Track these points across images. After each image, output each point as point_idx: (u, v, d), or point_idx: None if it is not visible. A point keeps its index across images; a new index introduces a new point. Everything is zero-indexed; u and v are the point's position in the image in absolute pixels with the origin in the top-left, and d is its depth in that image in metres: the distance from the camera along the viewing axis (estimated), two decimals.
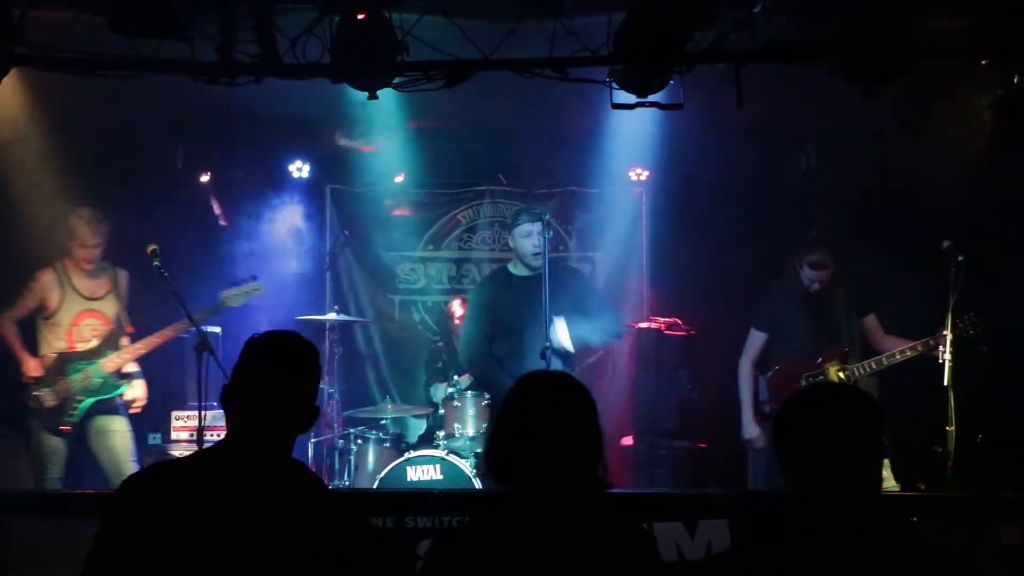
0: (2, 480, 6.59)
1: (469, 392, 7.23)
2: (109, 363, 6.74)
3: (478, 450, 6.86)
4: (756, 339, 7.01)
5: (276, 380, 2.72)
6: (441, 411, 7.33)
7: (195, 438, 6.93)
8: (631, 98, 5.64)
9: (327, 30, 5.28)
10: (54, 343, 6.73)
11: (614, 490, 5.99)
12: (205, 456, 2.91)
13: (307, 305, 8.42)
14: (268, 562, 2.57)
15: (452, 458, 6.72)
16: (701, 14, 5.13)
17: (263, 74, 5.44)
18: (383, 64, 5.35)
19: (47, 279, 6.73)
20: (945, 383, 6.30)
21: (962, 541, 5.07)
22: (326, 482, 5.28)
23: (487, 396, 7.06)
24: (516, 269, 6.88)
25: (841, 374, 6.64)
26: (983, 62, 5.56)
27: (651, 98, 5.62)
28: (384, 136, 7.93)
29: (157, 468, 2.74)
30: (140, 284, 7.03)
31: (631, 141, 7.92)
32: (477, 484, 6.53)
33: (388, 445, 7.35)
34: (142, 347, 6.82)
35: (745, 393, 6.97)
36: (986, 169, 6.62)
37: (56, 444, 6.62)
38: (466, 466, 6.67)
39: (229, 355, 6.60)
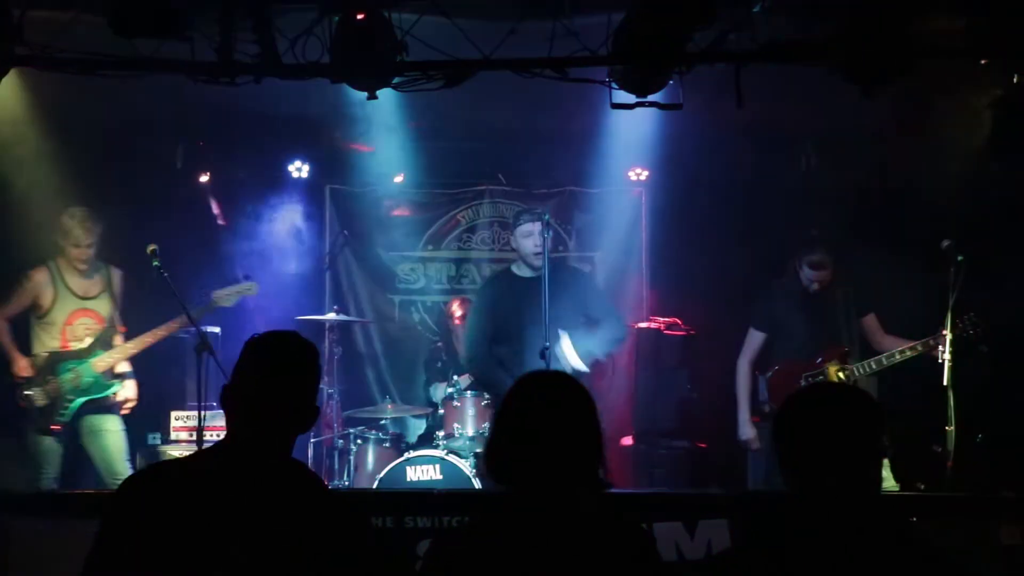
0: None
1: (469, 392, 7.25)
2: (100, 362, 6.73)
3: (477, 450, 6.86)
4: (755, 339, 7.02)
5: (276, 380, 2.72)
6: (440, 411, 7.34)
7: (195, 438, 6.91)
8: (631, 98, 5.64)
9: (326, 30, 5.28)
10: (47, 342, 6.72)
11: (614, 490, 6.00)
12: (205, 456, 2.92)
13: (306, 305, 8.42)
14: (268, 562, 2.57)
15: (452, 458, 6.72)
16: (700, 14, 5.13)
17: (263, 74, 5.44)
18: (382, 64, 5.35)
19: (40, 278, 6.73)
20: (945, 383, 6.31)
21: (962, 541, 5.07)
22: (326, 482, 5.28)
23: (487, 396, 7.07)
24: (519, 270, 6.89)
25: (841, 374, 6.64)
26: (982, 62, 5.56)
27: (650, 98, 5.62)
28: (383, 136, 7.92)
29: (157, 468, 2.74)
30: (138, 284, 7.02)
31: (630, 141, 7.91)
32: (477, 484, 6.53)
33: (388, 445, 7.35)
34: (133, 347, 6.81)
35: (742, 393, 6.97)
36: (986, 169, 6.61)
37: (50, 444, 6.61)
38: (466, 466, 6.67)
39: (228, 355, 6.64)
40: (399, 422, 8.38)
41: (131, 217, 7.48)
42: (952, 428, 6.22)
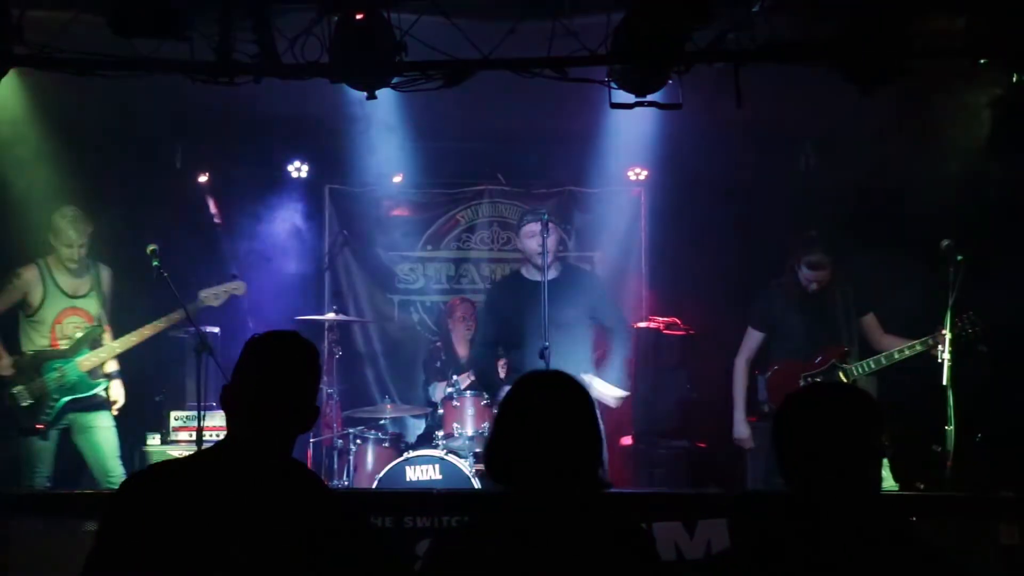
0: None
1: (468, 392, 7.25)
2: (86, 361, 6.72)
3: (477, 450, 6.86)
4: (753, 338, 7.02)
5: (276, 380, 2.73)
6: (440, 411, 7.33)
7: (194, 438, 6.91)
8: (630, 98, 5.64)
9: (326, 30, 5.28)
10: (37, 340, 6.72)
11: (613, 490, 6.01)
12: (205, 456, 2.92)
13: (306, 305, 8.43)
14: (268, 562, 2.57)
15: (451, 458, 6.71)
16: (699, 14, 5.14)
17: (262, 74, 5.44)
18: (382, 64, 5.35)
19: (29, 276, 6.72)
20: (944, 382, 6.30)
21: (961, 541, 5.07)
22: (325, 482, 5.28)
23: (486, 396, 7.08)
24: (528, 273, 6.90)
25: (840, 374, 6.64)
26: (981, 61, 5.56)
27: (650, 98, 5.62)
28: (383, 136, 7.92)
29: (157, 468, 2.74)
30: (129, 283, 7.01)
31: (630, 141, 7.91)
32: (476, 484, 6.54)
33: (387, 445, 7.35)
34: (119, 346, 6.80)
35: (738, 392, 6.97)
36: (985, 169, 6.62)
37: (41, 443, 6.60)
38: (465, 466, 6.67)
39: (227, 355, 6.64)
40: (398, 422, 8.39)
41: (130, 217, 7.49)
42: (951, 428, 6.21)
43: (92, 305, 6.85)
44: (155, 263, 6.26)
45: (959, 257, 6.28)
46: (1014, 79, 5.84)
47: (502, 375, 7.29)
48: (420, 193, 9.22)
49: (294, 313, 7.91)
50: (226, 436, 2.75)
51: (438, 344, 8.37)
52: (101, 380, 6.84)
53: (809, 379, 6.60)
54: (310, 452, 7.75)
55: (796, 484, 2.52)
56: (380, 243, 9.23)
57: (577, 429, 2.69)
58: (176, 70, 5.41)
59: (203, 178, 8.54)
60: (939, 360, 6.36)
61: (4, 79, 5.47)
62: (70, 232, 6.66)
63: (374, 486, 6.70)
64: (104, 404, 6.85)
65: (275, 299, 8.23)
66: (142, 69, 5.37)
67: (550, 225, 6.74)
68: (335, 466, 7.52)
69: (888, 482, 6.27)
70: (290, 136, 8.46)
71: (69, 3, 5.34)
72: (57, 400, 6.63)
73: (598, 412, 2.77)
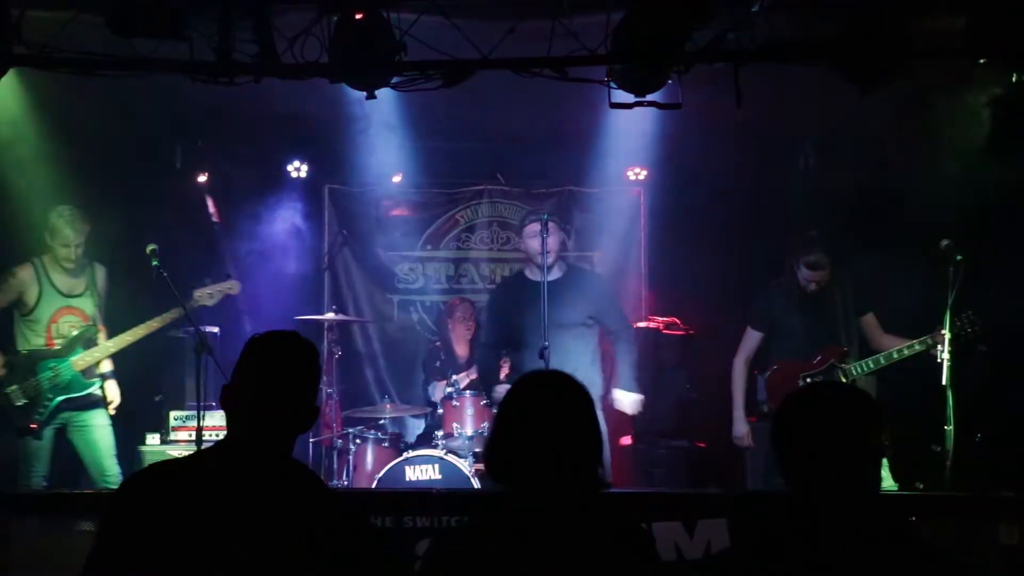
0: None
1: (467, 392, 7.26)
2: (80, 361, 6.72)
3: (476, 450, 6.87)
4: (752, 338, 7.02)
5: (276, 380, 2.73)
6: (439, 411, 7.34)
7: (193, 438, 6.91)
8: (629, 97, 5.64)
9: (325, 30, 5.28)
10: (32, 340, 6.71)
11: (613, 490, 6.01)
12: (205, 456, 2.91)
13: (305, 305, 8.43)
14: (268, 562, 2.57)
15: (451, 458, 6.72)
16: (699, 14, 5.14)
17: (261, 74, 5.44)
18: (381, 64, 5.35)
19: (24, 275, 6.71)
20: (944, 382, 6.30)
21: (961, 541, 5.07)
22: (325, 482, 5.28)
23: (486, 396, 7.08)
24: (532, 273, 6.91)
25: (839, 374, 6.64)
26: (981, 61, 5.55)
27: (649, 97, 5.62)
28: (382, 136, 7.92)
29: (157, 468, 2.73)
30: (124, 282, 7.00)
31: (629, 141, 7.91)
32: (476, 484, 6.54)
33: (387, 445, 7.36)
34: (113, 345, 6.79)
35: (737, 391, 6.97)
36: (985, 169, 6.61)
37: (38, 443, 6.60)
38: (464, 466, 6.68)
39: (226, 355, 6.64)
40: (398, 422, 8.40)
41: (130, 217, 7.49)
42: (951, 428, 6.21)
43: (87, 304, 6.85)
44: (155, 263, 6.26)
45: (958, 257, 6.29)
46: (1014, 79, 5.84)
47: (504, 375, 7.29)
48: (419, 193, 9.22)
49: (293, 313, 7.91)
50: (226, 436, 2.75)
51: (437, 344, 8.37)
52: (95, 379, 6.83)
53: (808, 379, 6.61)
54: (310, 452, 7.75)
55: (796, 484, 2.52)
56: (379, 243, 9.24)
57: (577, 429, 2.69)
58: (176, 70, 5.41)
59: (202, 178, 8.54)
60: (938, 360, 6.36)
61: (4, 79, 5.47)
62: (67, 231, 6.65)
63: (374, 486, 6.71)
64: (99, 403, 6.84)
65: (274, 299, 8.24)
66: (142, 69, 5.36)
67: (553, 225, 6.75)
68: (335, 466, 7.52)
69: (887, 482, 6.27)
70: (290, 136, 8.46)
71: (69, 3, 5.34)
72: (51, 400, 6.62)
73: (598, 412, 2.77)
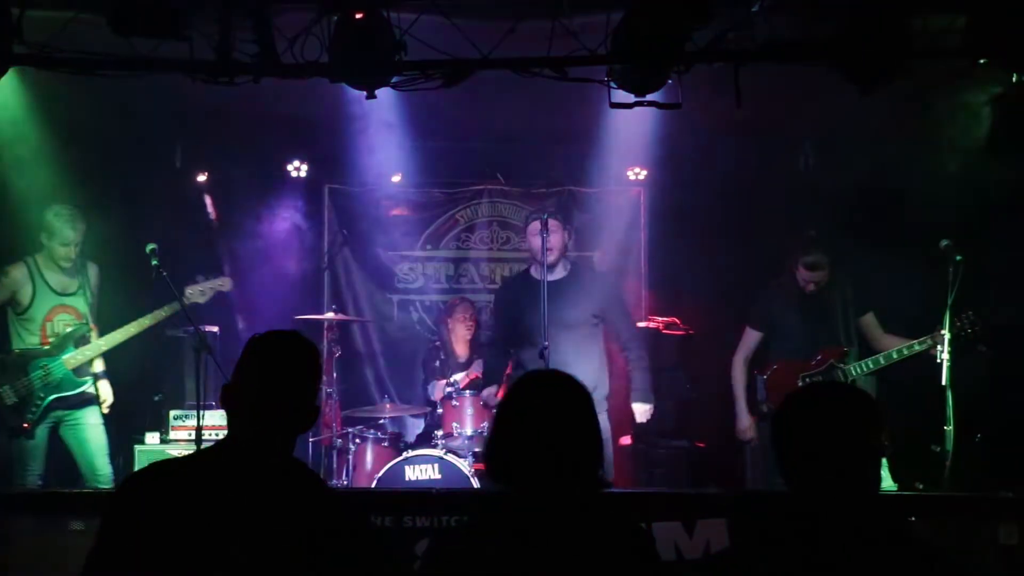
0: None
1: (467, 391, 7.26)
2: (72, 359, 6.71)
3: (476, 449, 6.87)
4: (751, 337, 7.02)
5: (277, 380, 2.73)
6: (439, 410, 7.34)
7: (193, 437, 6.91)
8: (629, 97, 5.63)
9: (325, 30, 5.28)
10: (27, 339, 6.71)
11: (613, 490, 6.01)
12: (206, 455, 2.91)
13: (305, 305, 8.42)
14: (268, 562, 2.57)
15: (450, 457, 6.72)
16: (699, 14, 5.14)
17: (261, 74, 5.44)
18: (381, 63, 5.35)
19: (17, 274, 6.71)
20: (943, 382, 6.31)
21: (961, 541, 5.07)
22: (325, 482, 5.28)
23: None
24: (537, 272, 6.90)
25: (839, 374, 6.64)
26: (981, 61, 5.55)
27: (649, 97, 5.61)
28: (382, 136, 7.92)
29: (158, 467, 2.73)
30: (132, 282, 7.00)
31: (629, 140, 7.90)
32: (475, 483, 6.54)
33: (386, 444, 7.36)
34: (105, 344, 6.79)
35: (738, 388, 6.97)
36: (985, 169, 6.62)
37: (32, 442, 6.60)
38: (464, 465, 6.68)
39: (225, 355, 6.64)
40: (398, 421, 8.40)
41: (130, 216, 7.49)
42: (951, 428, 6.22)
43: (80, 303, 6.84)
44: (154, 262, 6.26)
45: (958, 257, 6.30)
46: (1014, 79, 5.84)
47: (508, 374, 7.28)
48: (419, 193, 9.22)
49: (293, 312, 7.91)
50: (227, 435, 2.75)
51: (437, 344, 8.36)
52: (87, 378, 6.83)
53: (808, 379, 6.61)
54: (309, 451, 7.75)
55: (795, 484, 2.52)
56: (379, 243, 9.23)
57: (576, 429, 2.69)
58: (176, 70, 5.41)
59: (202, 177, 8.54)
60: (938, 360, 6.37)
61: (4, 78, 5.47)
62: (67, 231, 6.65)
63: (373, 485, 6.71)
64: (92, 401, 6.84)
65: (274, 298, 8.24)
66: (142, 69, 5.36)
67: (557, 224, 6.76)
68: (334, 465, 7.52)
69: (886, 482, 6.27)
70: (289, 136, 8.45)
71: (69, 2, 5.34)
72: (43, 399, 6.62)
73: (600, 412, 2.77)
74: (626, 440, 7.87)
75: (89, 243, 6.82)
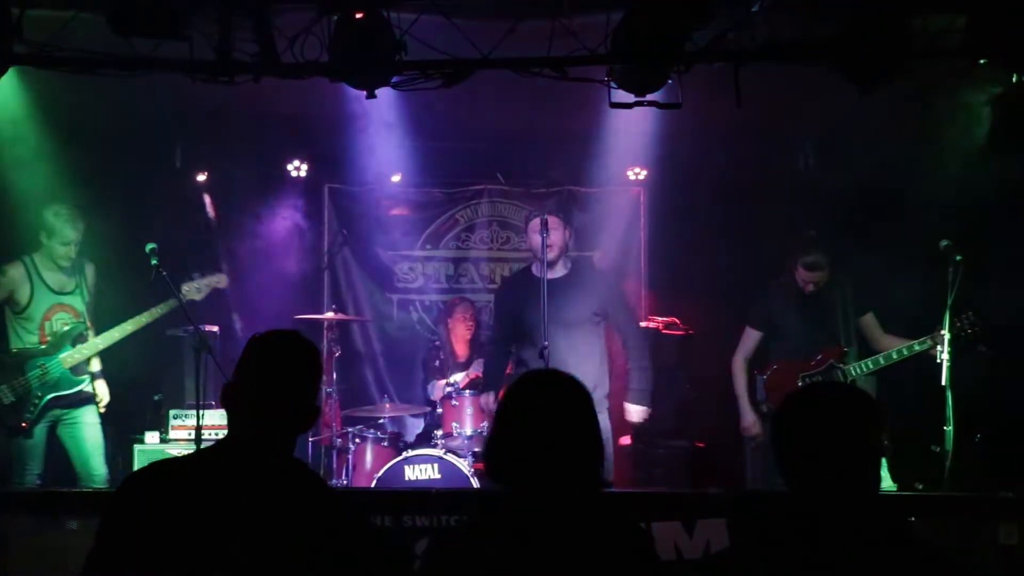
0: None
1: (467, 391, 7.25)
2: (69, 358, 6.71)
3: (476, 449, 6.87)
4: (751, 337, 7.02)
5: (277, 380, 2.73)
6: (439, 410, 7.35)
7: (193, 437, 6.91)
8: (629, 97, 5.63)
9: (325, 29, 5.28)
10: (25, 338, 6.70)
11: (613, 490, 6.02)
12: (206, 455, 2.91)
13: (305, 304, 8.42)
14: (268, 562, 2.56)
15: (450, 457, 6.72)
16: (699, 13, 5.14)
17: (261, 73, 5.44)
18: (381, 63, 5.35)
19: (15, 274, 6.71)
20: (943, 383, 6.31)
21: (960, 541, 5.07)
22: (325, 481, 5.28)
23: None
24: (538, 270, 6.88)
25: (838, 374, 6.64)
26: (981, 61, 5.55)
27: (649, 97, 5.61)
28: (382, 135, 7.92)
29: (158, 466, 2.73)
30: (130, 281, 7.00)
31: (629, 140, 7.90)
32: (475, 483, 6.54)
33: (386, 444, 7.35)
34: (102, 342, 6.79)
35: (740, 386, 6.96)
36: (985, 169, 6.62)
37: (30, 441, 6.60)
38: (464, 465, 6.67)
39: (224, 354, 6.65)
40: (397, 421, 8.39)
41: (130, 216, 7.49)
42: (950, 428, 6.23)
43: (78, 302, 6.84)
44: (153, 261, 6.27)
45: (958, 257, 6.30)
46: (1014, 79, 5.84)
47: (509, 372, 7.27)
48: (419, 192, 9.22)
49: (293, 312, 7.91)
50: (227, 435, 2.75)
51: (437, 343, 8.37)
52: (85, 376, 6.83)
53: (807, 379, 6.61)
54: (309, 451, 7.75)
55: (795, 484, 2.52)
56: (379, 242, 9.23)
57: (576, 428, 2.69)
58: (176, 69, 5.41)
59: (202, 177, 8.54)
60: (938, 360, 6.37)
61: (4, 78, 5.47)
62: (68, 230, 6.65)
63: (373, 485, 6.71)
64: (89, 400, 6.84)
65: (274, 298, 8.23)
66: (142, 68, 5.36)
67: (558, 221, 6.75)
68: (334, 465, 7.52)
69: (886, 482, 6.28)
70: (289, 135, 8.45)
71: (69, 2, 5.34)
72: (40, 398, 6.62)
73: (600, 411, 2.77)
74: (626, 440, 7.86)
75: (87, 242, 6.82)
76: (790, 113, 7.54)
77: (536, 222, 6.72)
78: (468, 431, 7.00)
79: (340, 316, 8.14)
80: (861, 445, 2.49)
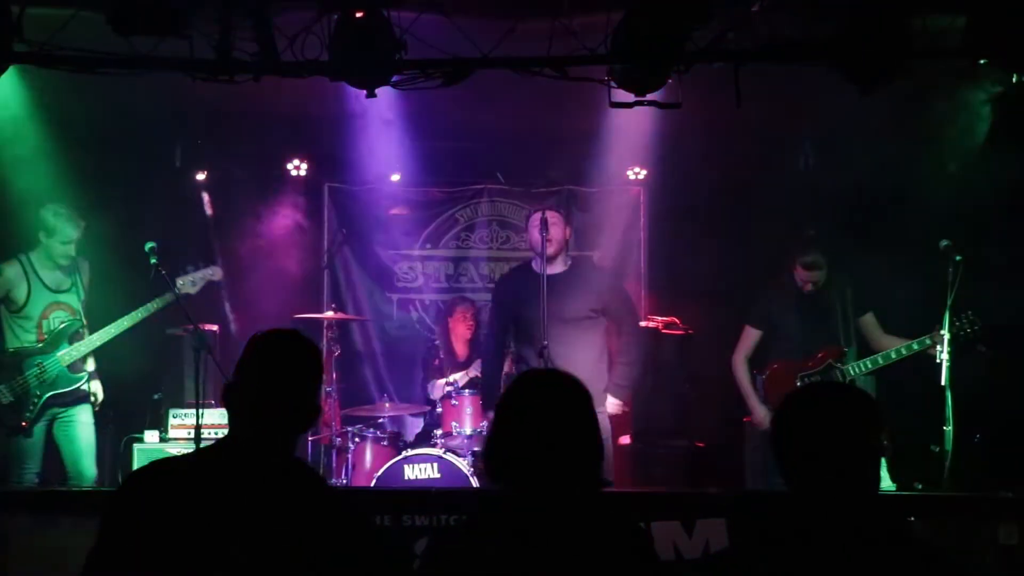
0: None
1: (466, 390, 7.25)
2: (67, 356, 6.71)
3: (475, 448, 6.86)
4: (750, 336, 7.02)
5: (278, 379, 2.72)
6: (438, 409, 7.34)
7: (192, 436, 6.91)
8: (629, 97, 5.63)
9: (325, 28, 5.27)
10: (23, 337, 6.70)
11: (612, 490, 6.01)
12: (206, 454, 2.91)
13: (304, 303, 8.41)
14: (268, 562, 2.56)
15: (449, 456, 6.72)
16: (699, 13, 5.14)
17: (261, 72, 5.43)
18: (381, 62, 5.35)
19: (11, 273, 6.69)
20: (943, 382, 6.31)
21: (961, 541, 5.08)
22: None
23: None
24: (538, 266, 6.87)
25: (837, 373, 6.64)
26: (981, 61, 5.56)
27: (649, 97, 5.60)
28: (382, 135, 7.92)
29: (159, 466, 2.73)
30: (129, 279, 7.00)
31: (629, 140, 7.90)
32: (474, 483, 6.54)
33: (385, 443, 7.35)
34: (98, 339, 6.78)
35: (744, 383, 6.93)
36: (984, 169, 6.62)
37: (29, 440, 6.59)
38: (463, 464, 6.67)
39: (224, 353, 6.64)
40: (397, 420, 8.39)
41: (129, 215, 7.49)
42: (950, 428, 6.23)
43: (74, 299, 6.84)
44: (153, 260, 6.27)
45: (958, 257, 6.30)
46: (1014, 79, 5.84)
47: (507, 369, 7.26)
48: (419, 192, 9.22)
49: (293, 311, 7.91)
50: (228, 434, 2.75)
51: (437, 343, 8.37)
52: (83, 374, 6.82)
53: (806, 379, 6.61)
54: (309, 450, 7.75)
55: (795, 484, 2.52)
56: (379, 241, 9.23)
57: (576, 428, 2.68)
58: (176, 68, 5.40)
59: (201, 176, 8.54)
60: (938, 360, 6.37)
61: (3, 76, 5.46)
62: (69, 229, 6.65)
63: (372, 484, 6.71)
64: (85, 398, 6.84)
65: (274, 297, 8.23)
66: (142, 67, 5.36)
67: (559, 216, 6.75)
68: (333, 464, 7.52)
69: (886, 482, 6.28)
70: (289, 134, 8.45)
71: (69, 1, 5.33)
72: (40, 396, 6.62)
73: (599, 410, 2.77)
74: (626, 440, 7.87)
75: (86, 241, 6.81)
76: (790, 113, 7.54)
77: (536, 217, 6.70)
78: (468, 430, 7.00)
79: (340, 315, 8.14)
80: (861, 445, 2.49)
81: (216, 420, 6.85)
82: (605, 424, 6.34)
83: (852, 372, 6.65)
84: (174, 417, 7.31)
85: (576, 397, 2.73)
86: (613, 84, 5.58)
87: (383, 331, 9.25)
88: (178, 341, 7.59)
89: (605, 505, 2.71)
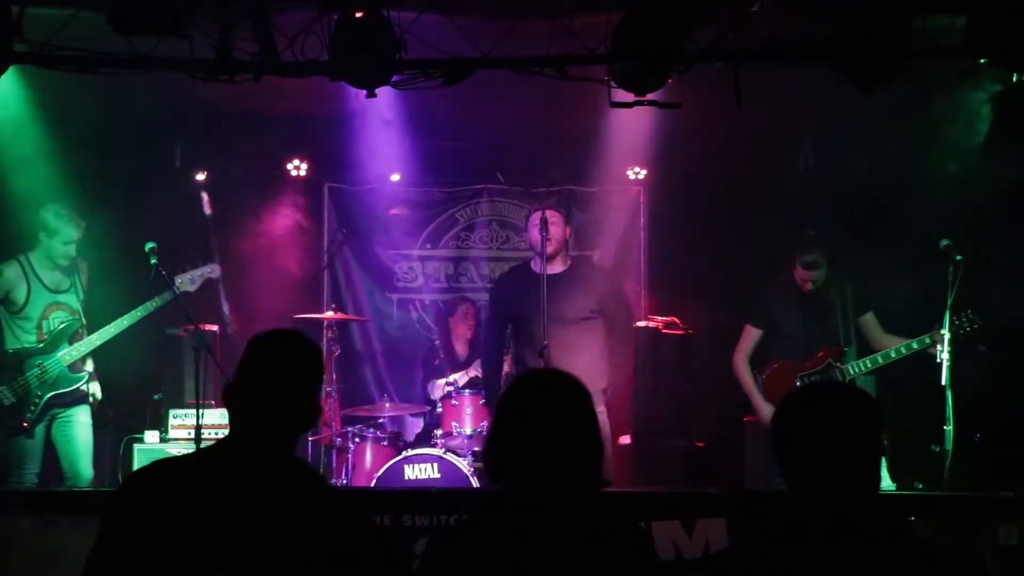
0: None
1: (466, 390, 7.25)
2: (67, 356, 6.70)
3: (475, 448, 6.86)
4: (751, 335, 7.01)
5: (279, 379, 2.72)
6: (438, 409, 7.34)
7: (192, 436, 6.91)
8: (629, 97, 5.63)
9: (325, 28, 5.27)
10: (23, 338, 6.69)
11: (612, 489, 6.01)
12: (207, 454, 2.91)
13: (304, 303, 8.42)
14: (269, 562, 2.56)
15: (449, 456, 6.72)
16: (699, 13, 5.14)
17: (261, 72, 5.43)
18: (381, 62, 5.35)
19: (10, 274, 6.69)
20: (943, 382, 6.31)
21: (961, 541, 5.08)
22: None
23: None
24: (537, 266, 6.87)
25: (837, 373, 6.64)
26: (981, 61, 5.56)
27: (649, 97, 5.61)
28: (382, 134, 7.92)
29: (159, 466, 2.73)
30: (128, 279, 7.00)
31: (629, 140, 7.91)
32: (474, 482, 6.54)
33: (385, 443, 7.35)
34: (98, 338, 6.77)
35: (747, 382, 6.92)
36: (984, 169, 6.62)
37: (29, 441, 6.59)
38: (463, 464, 6.68)
39: (223, 353, 6.64)
40: (397, 420, 8.40)
41: (129, 215, 7.49)
42: (950, 427, 6.23)
43: (73, 299, 6.84)
44: (153, 260, 6.27)
45: (958, 257, 6.30)
46: (1014, 79, 5.84)
47: (506, 369, 7.26)
48: (419, 192, 9.22)
49: (293, 311, 7.91)
50: (228, 434, 2.75)
51: (437, 343, 8.37)
52: (83, 373, 6.82)
53: (806, 378, 6.61)
54: (309, 450, 7.75)
55: (795, 484, 2.52)
56: (379, 241, 9.23)
57: (576, 428, 2.68)
58: (176, 68, 5.41)
59: (201, 176, 8.54)
60: (938, 360, 6.37)
61: (4, 76, 5.46)
62: (70, 229, 6.65)
63: (372, 484, 6.71)
64: (84, 399, 6.83)
65: (274, 297, 8.24)
66: (142, 67, 5.36)
67: (559, 216, 6.75)
68: (333, 464, 7.52)
69: (886, 482, 6.28)
70: (289, 134, 8.46)
71: (69, 1, 5.34)
72: (41, 397, 6.61)
73: (600, 409, 2.77)
74: (625, 439, 7.86)
75: (86, 241, 6.81)
76: (790, 113, 7.55)
77: (536, 217, 6.71)
78: (468, 430, 7.00)
79: (340, 315, 8.13)
80: (861, 445, 2.49)
81: (216, 420, 6.85)
82: (604, 423, 6.34)
83: (852, 371, 6.65)
84: (174, 417, 7.31)
85: (576, 397, 2.73)
86: (613, 84, 5.58)
87: (383, 331, 9.25)
88: (178, 341, 7.59)
89: (605, 505, 2.71)
